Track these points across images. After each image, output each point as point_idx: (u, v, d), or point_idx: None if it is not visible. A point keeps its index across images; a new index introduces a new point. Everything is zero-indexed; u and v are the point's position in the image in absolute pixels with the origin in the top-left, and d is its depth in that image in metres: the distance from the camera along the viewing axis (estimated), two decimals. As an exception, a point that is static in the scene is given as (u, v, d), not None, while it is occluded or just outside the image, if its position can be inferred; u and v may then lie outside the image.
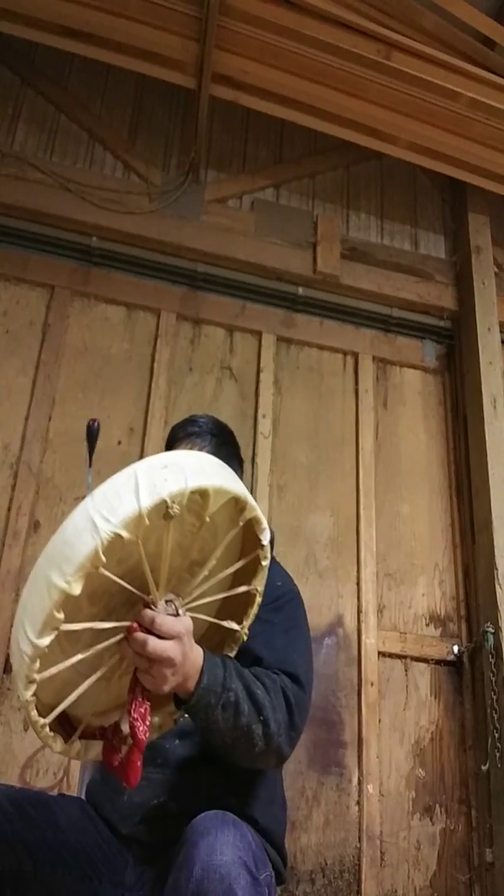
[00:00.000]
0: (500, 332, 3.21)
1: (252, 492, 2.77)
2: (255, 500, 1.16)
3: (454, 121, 3.07)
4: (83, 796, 1.44)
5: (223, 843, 1.02)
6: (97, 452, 2.74)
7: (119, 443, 2.79)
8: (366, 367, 3.18)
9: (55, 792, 1.87)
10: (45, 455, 2.70)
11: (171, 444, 1.69)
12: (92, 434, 1.93)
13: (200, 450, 1.61)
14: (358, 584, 2.80)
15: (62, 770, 2.32)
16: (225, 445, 1.67)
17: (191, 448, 1.61)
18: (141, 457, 2.75)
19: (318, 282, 3.20)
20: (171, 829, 1.15)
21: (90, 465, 1.90)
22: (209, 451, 1.61)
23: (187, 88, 3.00)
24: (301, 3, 2.84)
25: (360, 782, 2.53)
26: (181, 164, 3.23)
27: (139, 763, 1.05)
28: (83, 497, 2.91)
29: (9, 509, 2.57)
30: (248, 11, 2.80)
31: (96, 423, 2.19)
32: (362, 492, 2.94)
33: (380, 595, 2.82)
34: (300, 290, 3.18)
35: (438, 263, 3.42)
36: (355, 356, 3.20)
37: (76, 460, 2.71)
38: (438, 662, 2.79)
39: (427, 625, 2.84)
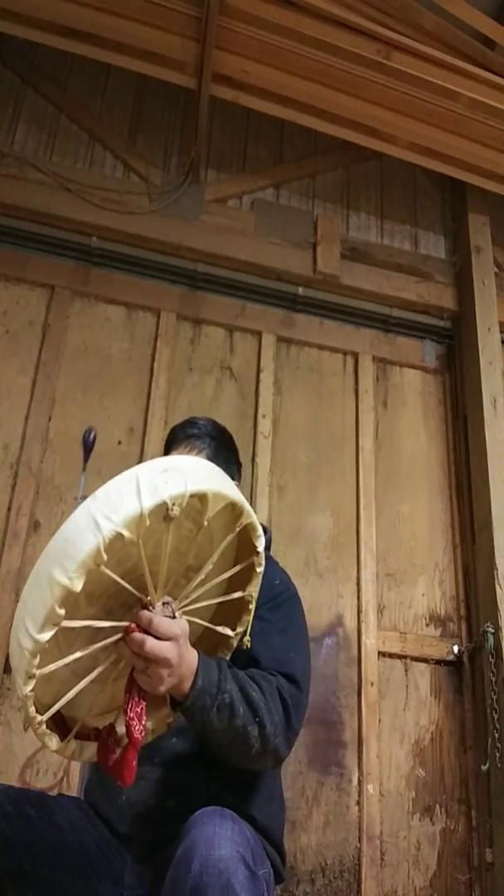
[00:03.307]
0: (500, 332, 3.21)
1: (252, 492, 2.78)
2: (255, 500, 1.17)
3: (454, 121, 3.08)
4: (82, 796, 1.44)
5: (221, 838, 1.03)
6: (97, 453, 2.74)
7: (119, 443, 2.79)
8: (366, 367, 3.18)
9: (55, 792, 1.87)
10: (45, 455, 2.70)
11: (169, 446, 1.69)
12: (87, 444, 1.93)
13: (199, 452, 1.61)
14: (358, 584, 2.80)
15: (62, 770, 2.32)
16: (223, 449, 1.66)
17: (189, 451, 1.61)
18: (141, 457, 2.76)
19: (318, 282, 3.20)
20: (170, 827, 1.15)
21: (84, 471, 1.91)
22: (208, 454, 1.61)
23: (187, 88, 3.00)
24: (301, 3, 2.84)
25: (360, 782, 2.53)
26: (181, 164, 3.23)
27: (134, 762, 1.06)
28: (83, 498, 2.91)
29: (9, 509, 2.58)
30: (248, 11, 2.80)
31: (93, 434, 2.19)
32: (362, 492, 2.94)
33: (380, 595, 2.82)
34: (300, 290, 3.18)
35: (438, 263, 3.42)
36: (355, 356, 3.20)
37: (76, 460, 2.71)
38: (438, 662, 2.79)
39: (427, 625, 2.84)
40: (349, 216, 3.41)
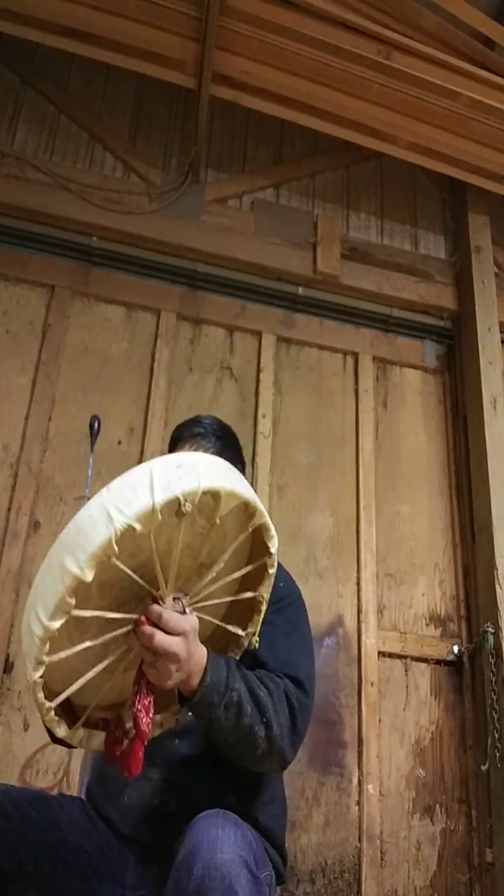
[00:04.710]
0: (500, 332, 3.21)
1: (252, 492, 2.77)
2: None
3: (454, 121, 3.08)
4: (83, 796, 1.44)
5: (224, 842, 1.03)
6: (97, 452, 2.75)
7: (119, 443, 2.79)
8: (366, 367, 3.18)
9: (55, 792, 1.87)
10: (45, 455, 2.69)
11: (174, 444, 1.68)
12: (94, 430, 1.94)
13: (204, 452, 1.61)
14: (358, 584, 2.80)
15: (62, 770, 2.32)
16: (229, 448, 1.66)
17: (195, 450, 1.61)
18: (141, 457, 2.76)
19: (318, 282, 3.20)
20: (172, 828, 1.15)
21: (90, 460, 1.92)
22: (213, 453, 1.60)
23: (187, 88, 3.00)
24: (301, 3, 2.84)
25: (360, 782, 2.53)
26: (181, 164, 3.23)
27: (141, 753, 1.07)
28: (83, 497, 2.91)
29: (9, 509, 2.57)
30: (248, 11, 2.80)
31: (97, 422, 2.20)
32: (362, 492, 2.94)
33: (380, 595, 2.82)
34: (300, 290, 3.18)
35: (438, 263, 3.42)
36: (355, 356, 3.20)
37: (76, 460, 2.71)
38: (438, 662, 2.79)
39: (427, 625, 2.84)
40: (349, 216, 3.41)
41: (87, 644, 1.04)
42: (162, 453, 2.74)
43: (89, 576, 0.96)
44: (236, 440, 1.73)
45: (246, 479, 1.74)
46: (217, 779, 1.30)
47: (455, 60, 3.00)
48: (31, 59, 3.23)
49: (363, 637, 2.72)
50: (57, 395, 2.79)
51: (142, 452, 2.77)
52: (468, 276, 3.30)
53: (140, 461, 2.75)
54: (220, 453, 1.61)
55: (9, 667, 2.38)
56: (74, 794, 1.49)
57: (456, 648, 2.80)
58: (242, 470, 1.72)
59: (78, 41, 2.85)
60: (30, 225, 2.97)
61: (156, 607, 1.07)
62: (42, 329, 2.88)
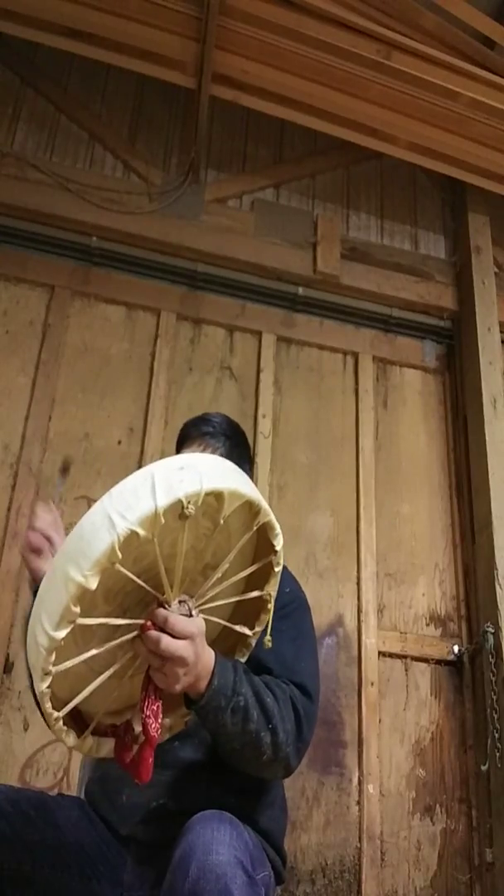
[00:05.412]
0: (500, 332, 3.21)
1: (252, 492, 2.77)
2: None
3: (454, 121, 3.08)
4: (82, 796, 1.44)
5: (219, 843, 1.02)
6: (97, 452, 2.75)
7: (119, 443, 2.79)
8: (366, 367, 3.18)
9: (55, 792, 1.87)
10: (45, 455, 2.69)
11: (182, 442, 1.67)
12: None
13: (213, 451, 1.60)
14: (358, 583, 2.80)
15: (62, 770, 2.32)
16: (237, 447, 1.66)
17: (203, 449, 1.60)
18: (141, 457, 2.76)
19: (318, 282, 3.20)
20: (171, 828, 1.15)
21: None
22: (222, 453, 1.60)
23: (187, 88, 3.00)
24: (301, 3, 2.84)
25: (360, 782, 2.53)
26: (181, 164, 3.23)
27: (151, 760, 1.06)
28: (83, 497, 2.90)
29: (9, 509, 2.58)
30: (248, 11, 2.80)
31: None
32: (362, 492, 2.94)
33: (380, 595, 2.82)
34: (300, 290, 3.18)
35: (438, 263, 3.42)
36: (355, 356, 3.20)
37: (76, 460, 2.71)
38: (438, 662, 2.79)
39: (427, 625, 2.84)
40: (349, 216, 3.41)
41: (94, 652, 1.03)
42: (162, 453, 2.76)
43: (93, 583, 0.95)
44: (244, 439, 1.72)
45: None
46: (216, 781, 1.29)
47: (455, 60, 2.99)
48: (31, 59, 3.23)
49: (363, 637, 2.72)
50: (57, 395, 2.80)
51: (142, 452, 2.77)
52: (468, 276, 3.30)
53: (140, 461, 2.75)
54: (228, 453, 1.61)
55: (9, 667, 2.37)
56: (74, 794, 1.49)
57: (456, 648, 2.80)
58: (251, 469, 1.72)
59: (78, 41, 2.85)
60: (30, 225, 2.97)
61: (161, 611, 1.06)
62: (42, 329, 2.88)
